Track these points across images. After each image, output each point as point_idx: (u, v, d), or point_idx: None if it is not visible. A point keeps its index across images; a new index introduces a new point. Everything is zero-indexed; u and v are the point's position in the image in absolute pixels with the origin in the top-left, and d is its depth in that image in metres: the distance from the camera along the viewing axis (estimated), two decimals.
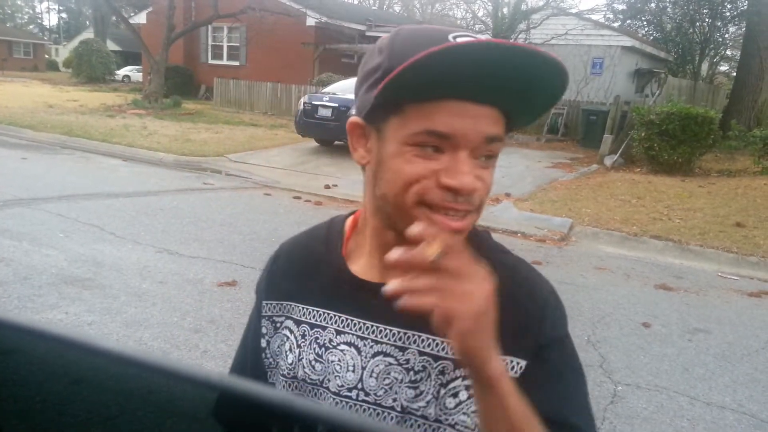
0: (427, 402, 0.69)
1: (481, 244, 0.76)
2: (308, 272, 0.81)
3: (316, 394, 0.75)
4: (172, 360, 0.41)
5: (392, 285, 0.54)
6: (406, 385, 0.70)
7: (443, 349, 0.70)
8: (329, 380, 0.74)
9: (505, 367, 0.59)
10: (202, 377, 0.41)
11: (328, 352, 0.75)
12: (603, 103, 14.85)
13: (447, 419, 0.69)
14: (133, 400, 0.49)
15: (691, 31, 25.03)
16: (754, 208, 7.59)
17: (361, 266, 0.77)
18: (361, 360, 0.73)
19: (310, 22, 18.45)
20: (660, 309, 4.58)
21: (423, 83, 0.60)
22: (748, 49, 15.23)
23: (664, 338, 4.02)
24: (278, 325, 0.80)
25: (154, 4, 20.95)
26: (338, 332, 0.75)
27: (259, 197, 7.77)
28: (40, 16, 67.52)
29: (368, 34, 19.38)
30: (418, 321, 0.70)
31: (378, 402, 0.71)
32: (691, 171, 10.16)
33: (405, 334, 0.72)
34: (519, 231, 6.65)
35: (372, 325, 0.73)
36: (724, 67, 32.74)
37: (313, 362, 0.76)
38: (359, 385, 0.72)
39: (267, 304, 0.83)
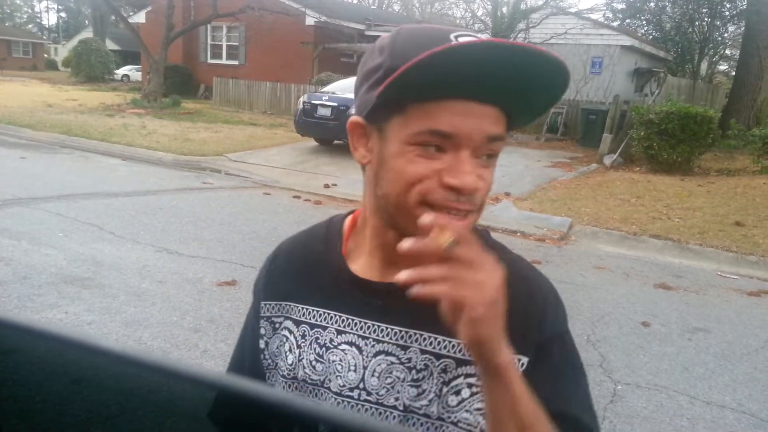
0: (430, 400, 0.69)
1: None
2: (308, 272, 0.81)
3: (316, 395, 0.75)
4: (172, 359, 0.41)
5: (404, 274, 0.54)
6: (409, 383, 0.70)
7: (445, 347, 0.70)
8: (330, 380, 0.74)
9: (513, 357, 0.59)
10: (202, 377, 0.41)
11: (329, 352, 0.75)
12: (602, 103, 14.86)
13: (449, 417, 0.69)
14: (133, 399, 0.49)
15: (690, 30, 25.06)
16: (753, 207, 7.60)
17: (360, 265, 0.77)
18: (363, 359, 0.73)
19: (310, 21, 18.46)
20: (659, 308, 4.58)
21: (426, 83, 0.60)
22: (747, 48, 15.24)
23: (663, 337, 4.02)
24: (277, 325, 0.80)
25: (153, 4, 20.93)
26: (339, 332, 0.75)
27: (258, 196, 7.77)
28: (39, 15, 67.46)
29: (367, 33, 19.37)
30: (420, 319, 0.70)
31: (380, 401, 0.71)
32: (690, 170, 10.16)
33: (406, 332, 0.72)
34: (518, 230, 6.66)
35: (373, 324, 0.73)
36: (723, 67, 32.78)
37: (313, 362, 0.75)
38: (361, 385, 0.72)
39: (266, 304, 0.82)
